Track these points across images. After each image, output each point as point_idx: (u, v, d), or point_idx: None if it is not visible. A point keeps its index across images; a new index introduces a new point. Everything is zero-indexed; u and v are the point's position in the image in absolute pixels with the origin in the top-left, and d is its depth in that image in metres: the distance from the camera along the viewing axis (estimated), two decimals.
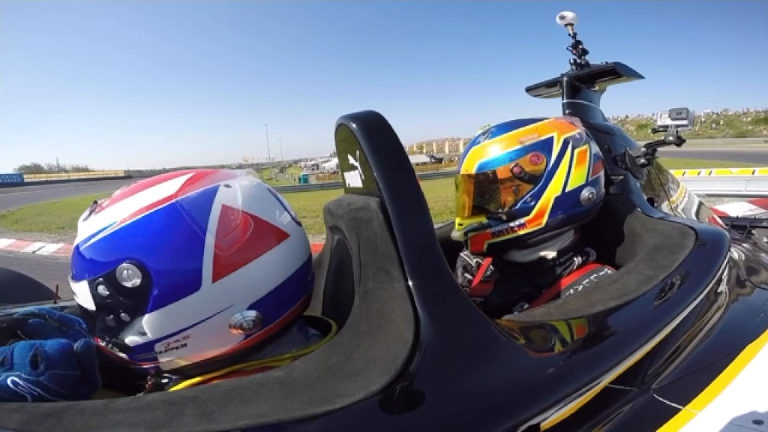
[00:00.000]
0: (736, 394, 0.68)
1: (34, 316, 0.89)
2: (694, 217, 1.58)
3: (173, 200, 0.55)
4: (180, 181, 0.59)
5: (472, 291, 1.14)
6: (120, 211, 0.56)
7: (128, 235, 0.54)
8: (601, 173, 1.03)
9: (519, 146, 0.95)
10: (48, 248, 7.38)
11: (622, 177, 1.20)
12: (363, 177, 0.73)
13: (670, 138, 1.17)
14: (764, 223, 2.25)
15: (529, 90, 1.59)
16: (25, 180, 53.97)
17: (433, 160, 36.59)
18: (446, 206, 7.88)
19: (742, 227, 2.19)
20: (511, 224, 0.96)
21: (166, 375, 0.63)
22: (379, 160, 0.66)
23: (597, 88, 1.42)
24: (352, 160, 0.75)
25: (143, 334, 0.55)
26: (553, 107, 1.45)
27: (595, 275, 0.94)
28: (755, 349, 0.78)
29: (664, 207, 1.34)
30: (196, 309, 0.55)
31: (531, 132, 0.97)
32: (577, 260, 0.97)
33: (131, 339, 0.56)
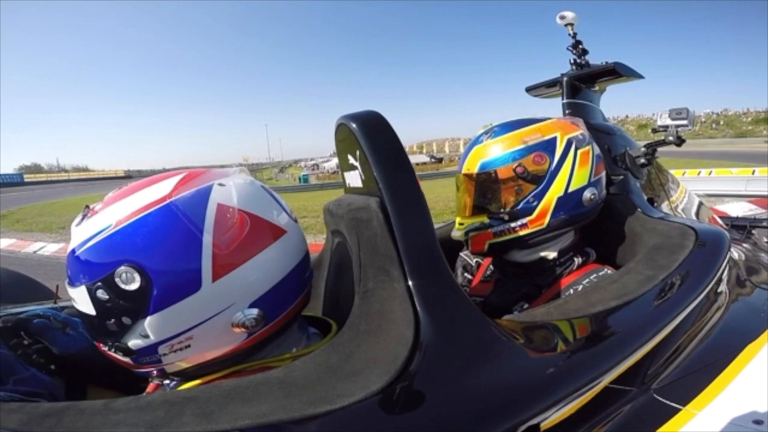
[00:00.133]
0: (736, 394, 0.68)
1: (38, 317, 0.89)
2: (694, 217, 1.58)
3: (167, 201, 0.55)
4: (173, 181, 0.58)
5: (472, 291, 1.14)
6: (114, 214, 0.55)
7: (124, 237, 0.53)
8: (603, 174, 1.03)
9: (522, 146, 0.95)
10: (49, 248, 7.38)
11: (622, 177, 1.20)
12: (363, 177, 0.73)
13: (670, 138, 1.17)
14: (764, 223, 2.25)
15: (529, 90, 1.59)
16: (25, 180, 53.97)
17: (433, 160, 36.58)
18: (446, 206, 7.88)
19: (742, 227, 2.19)
20: (513, 224, 0.95)
21: (168, 377, 0.63)
22: (379, 160, 0.66)
23: (597, 88, 1.42)
24: (352, 160, 0.75)
25: (146, 336, 0.55)
26: (553, 107, 1.45)
27: (595, 275, 0.94)
28: (755, 349, 0.78)
29: (664, 207, 1.34)
30: (198, 309, 0.54)
31: (534, 132, 0.97)
32: (577, 260, 0.97)
33: (134, 342, 0.56)
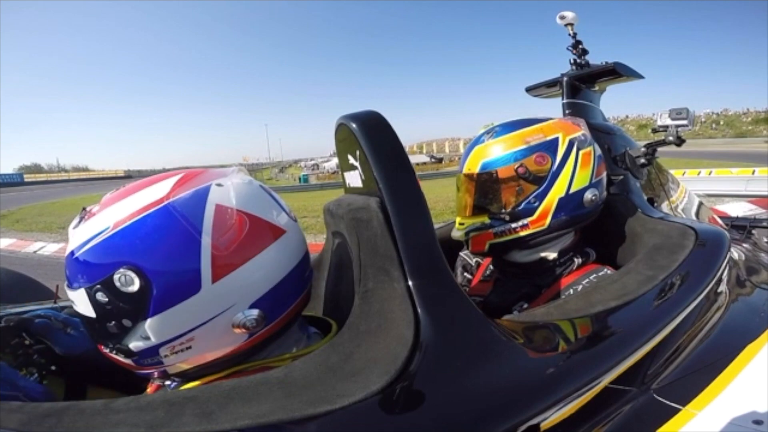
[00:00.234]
0: (736, 394, 0.68)
1: (39, 317, 0.89)
2: (694, 217, 1.58)
3: (165, 202, 0.55)
4: (170, 182, 0.58)
5: (472, 290, 1.14)
6: (111, 216, 0.55)
7: (122, 239, 0.53)
8: (604, 175, 1.03)
9: (524, 146, 0.95)
10: (49, 248, 7.38)
11: (622, 177, 1.20)
12: (363, 177, 0.73)
13: (670, 138, 1.17)
14: (764, 223, 2.25)
15: (529, 90, 1.59)
16: (25, 180, 53.96)
17: (433, 160, 36.58)
18: (446, 206, 7.88)
19: (742, 227, 2.19)
20: (514, 225, 0.95)
21: (169, 378, 0.63)
22: (379, 160, 0.66)
23: (597, 88, 1.42)
24: (352, 160, 0.75)
25: (147, 338, 0.55)
26: (553, 107, 1.45)
27: (594, 275, 0.94)
28: (755, 349, 0.78)
29: (664, 207, 1.34)
30: (198, 311, 0.54)
31: (536, 132, 0.96)
32: (577, 260, 0.97)
33: (135, 344, 0.56)
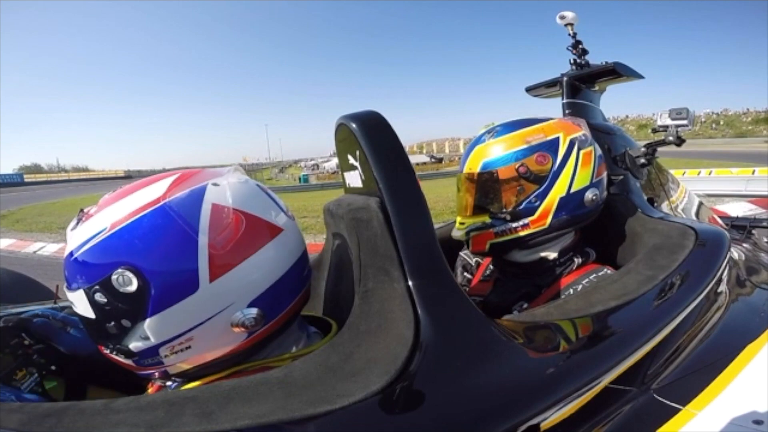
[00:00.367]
0: (736, 394, 0.68)
1: (38, 316, 0.89)
2: (694, 217, 1.58)
3: (161, 202, 0.55)
4: (166, 182, 0.58)
5: (472, 290, 1.14)
6: (109, 217, 0.55)
7: (120, 240, 0.53)
8: (605, 175, 1.03)
9: (525, 146, 0.95)
10: (49, 248, 7.38)
11: (622, 177, 1.20)
12: (363, 177, 0.72)
13: (670, 138, 1.17)
14: (764, 223, 2.25)
15: (529, 90, 1.59)
16: (25, 180, 53.99)
17: (433, 160, 36.60)
18: (446, 206, 7.88)
19: (742, 227, 2.19)
20: (515, 224, 0.95)
21: (170, 378, 0.63)
22: (379, 160, 0.66)
23: (597, 88, 1.42)
24: (352, 160, 0.75)
25: (146, 339, 0.55)
26: (553, 107, 1.46)
27: (594, 275, 0.94)
28: (755, 349, 0.78)
29: (664, 207, 1.34)
30: (197, 310, 0.54)
31: (537, 132, 0.97)
32: (577, 260, 0.97)
33: (135, 345, 0.56)
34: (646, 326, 0.72)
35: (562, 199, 0.94)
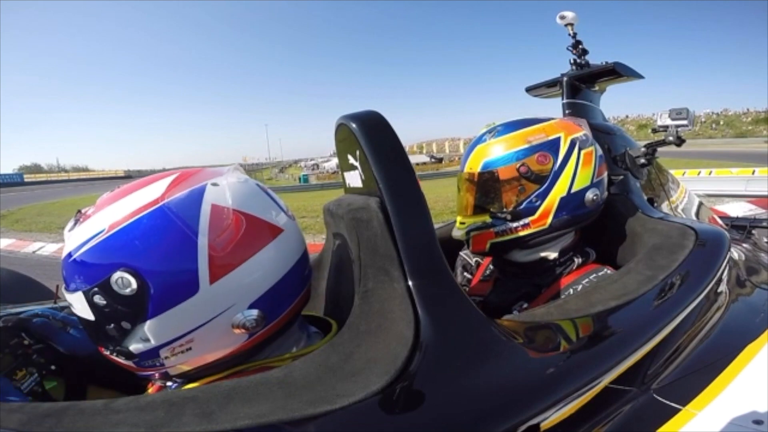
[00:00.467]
0: (736, 394, 0.68)
1: (38, 316, 0.89)
2: (694, 217, 1.58)
3: (160, 203, 0.54)
4: (165, 182, 0.57)
5: (472, 290, 1.14)
6: (107, 218, 0.54)
7: (118, 241, 0.53)
8: (605, 175, 1.03)
9: (526, 145, 0.95)
10: (48, 248, 7.38)
11: (622, 177, 1.20)
12: (363, 177, 0.72)
13: (670, 138, 1.17)
14: (764, 223, 2.25)
15: (529, 90, 1.59)
16: (25, 180, 53.97)
17: (433, 160, 36.60)
18: (446, 206, 7.87)
19: (742, 227, 2.19)
20: (515, 224, 0.95)
21: (170, 379, 0.63)
22: (379, 160, 0.66)
23: (597, 88, 1.42)
24: (352, 160, 0.75)
25: (147, 340, 0.55)
26: (553, 107, 1.46)
27: (594, 275, 0.94)
28: (755, 349, 0.78)
29: (664, 207, 1.34)
30: (197, 312, 0.54)
31: (538, 132, 0.97)
32: (577, 260, 0.97)
33: (135, 346, 0.56)
34: (646, 326, 0.72)
35: (562, 199, 0.94)
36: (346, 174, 0.83)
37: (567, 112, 1.32)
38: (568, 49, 1.41)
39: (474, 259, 1.22)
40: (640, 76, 1.41)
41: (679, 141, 1.17)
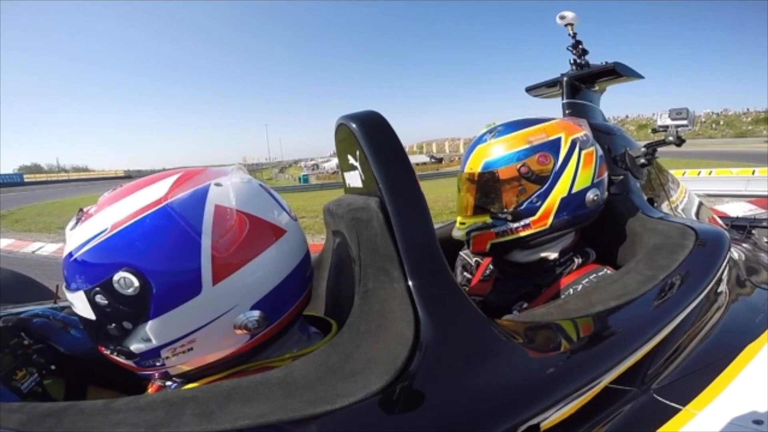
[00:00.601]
0: (736, 394, 0.68)
1: (38, 316, 0.89)
2: (694, 217, 1.58)
3: (163, 203, 0.54)
4: (168, 182, 0.57)
5: (471, 290, 1.14)
6: (109, 218, 0.54)
7: (121, 241, 0.52)
8: (606, 175, 1.03)
9: (527, 146, 0.95)
10: (47, 248, 7.38)
11: (622, 177, 1.20)
12: (363, 177, 0.72)
13: (670, 138, 1.17)
14: (764, 223, 2.25)
15: (529, 90, 1.59)
16: (25, 180, 53.96)
17: (433, 160, 36.62)
18: (446, 206, 7.88)
19: (742, 227, 2.19)
20: (516, 224, 0.95)
21: (170, 379, 0.63)
22: (379, 160, 0.65)
23: (597, 88, 1.42)
24: (352, 160, 0.75)
25: (148, 340, 0.55)
26: (553, 107, 1.46)
27: (594, 275, 0.94)
28: (755, 349, 0.78)
29: (664, 207, 1.34)
30: (199, 313, 0.54)
31: (539, 132, 0.96)
32: (577, 260, 0.97)
33: (136, 346, 0.56)
34: (646, 326, 0.72)
35: (563, 200, 0.94)
36: (346, 174, 0.83)
37: (567, 112, 1.32)
38: (568, 49, 1.41)
39: (474, 259, 1.22)
40: (640, 76, 1.41)
41: (679, 141, 1.17)
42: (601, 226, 1.07)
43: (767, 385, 0.69)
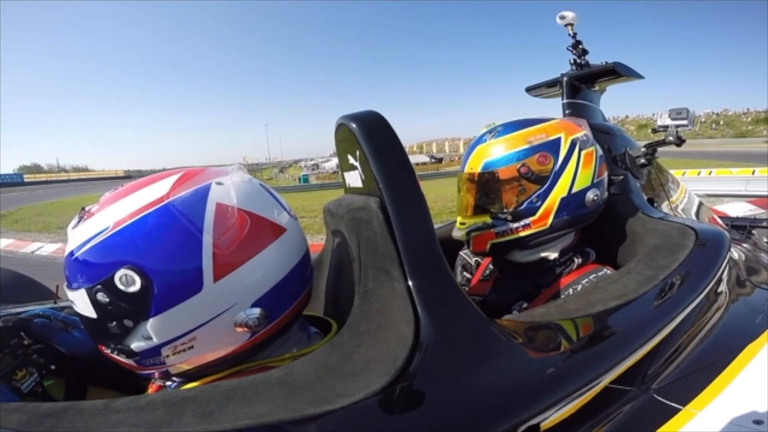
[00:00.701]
0: (736, 394, 0.68)
1: (38, 316, 0.89)
2: (694, 217, 1.58)
3: (165, 201, 0.54)
4: (170, 181, 0.57)
5: (471, 290, 1.14)
6: (111, 216, 0.54)
7: (123, 239, 0.53)
8: (606, 175, 1.03)
9: (527, 146, 0.95)
10: (47, 248, 7.38)
11: (622, 177, 1.20)
12: (363, 177, 0.72)
13: (670, 138, 1.17)
14: (764, 223, 2.25)
15: (529, 90, 1.59)
16: (25, 180, 53.96)
17: (433, 160, 36.63)
18: (446, 206, 7.88)
19: (742, 227, 2.19)
20: (516, 225, 0.95)
21: (170, 378, 0.63)
22: (379, 160, 0.66)
23: (597, 88, 1.42)
24: (352, 160, 0.75)
25: (149, 339, 0.55)
26: (553, 107, 1.46)
27: (594, 275, 0.94)
28: (755, 349, 0.78)
29: (664, 207, 1.34)
30: (200, 310, 0.54)
31: (539, 132, 0.97)
32: (577, 260, 0.97)
33: (137, 345, 0.56)
34: (646, 326, 0.72)
35: (563, 200, 0.94)
36: (346, 174, 0.83)
37: (567, 112, 1.32)
38: (568, 49, 1.41)
39: (474, 259, 1.22)
40: (640, 76, 1.41)
41: (679, 141, 1.17)
42: (601, 226, 1.07)
43: (767, 385, 0.69)
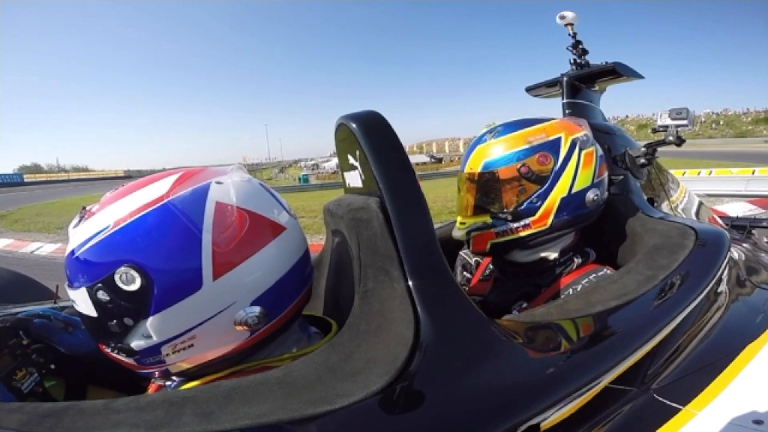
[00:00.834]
0: (736, 394, 0.68)
1: (38, 316, 0.89)
2: (694, 217, 1.58)
3: (165, 200, 0.55)
4: (169, 181, 0.58)
5: (471, 290, 1.14)
6: (112, 215, 0.55)
7: (123, 237, 0.53)
8: (606, 175, 1.03)
9: (527, 146, 0.95)
10: (46, 248, 7.38)
11: (622, 177, 1.20)
12: (363, 177, 0.72)
13: (670, 138, 1.17)
14: (764, 223, 2.25)
15: (529, 90, 1.59)
16: (25, 180, 53.95)
17: (433, 160, 36.64)
18: (446, 206, 7.88)
19: (742, 227, 2.19)
20: (516, 224, 0.95)
21: (170, 378, 0.63)
22: (379, 160, 0.66)
23: (597, 88, 1.42)
24: (352, 160, 0.75)
25: (149, 337, 0.55)
26: (553, 107, 1.46)
27: (594, 275, 0.94)
28: (755, 349, 0.78)
29: (664, 207, 1.34)
30: (200, 308, 0.54)
31: (539, 132, 0.97)
32: (577, 260, 0.97)
33: (137, 343, 0.56)
34: (646, 326, 0.72)
35: (563, 200, 0.94)
36: (346, 174, 0.83)
37: (567, 112, 1.32)
38: (568, 49, 1.41)
39: (474, 259, 1.22)
40: (640, 76, 1.41)
41: (679, 141, 1.17)
42: (601, 226, 1.07)
43: (767, 385, 0.69)
